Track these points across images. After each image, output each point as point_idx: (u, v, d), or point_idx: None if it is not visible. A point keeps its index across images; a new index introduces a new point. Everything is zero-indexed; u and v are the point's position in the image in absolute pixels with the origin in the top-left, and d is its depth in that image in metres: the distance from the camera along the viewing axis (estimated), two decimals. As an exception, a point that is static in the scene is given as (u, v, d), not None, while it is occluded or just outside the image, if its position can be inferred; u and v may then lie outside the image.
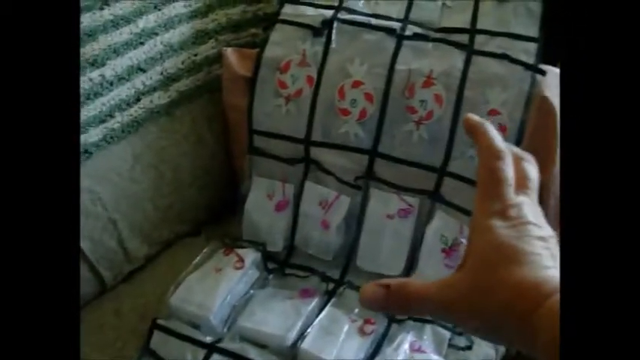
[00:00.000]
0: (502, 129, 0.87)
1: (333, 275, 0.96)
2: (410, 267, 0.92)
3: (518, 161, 0.44)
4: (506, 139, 0.84)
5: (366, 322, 0.87)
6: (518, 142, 0.86)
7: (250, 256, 0.95)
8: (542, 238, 0.39)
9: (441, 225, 0.91)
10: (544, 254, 0.38)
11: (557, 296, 0.35)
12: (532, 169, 0.44)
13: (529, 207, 0.41)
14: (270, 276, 0.96)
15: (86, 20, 0.88)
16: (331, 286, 0.94)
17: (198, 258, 0.95)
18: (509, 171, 0.42)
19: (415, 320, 0.88)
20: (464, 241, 0.89)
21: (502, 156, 0.42)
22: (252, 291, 0.93)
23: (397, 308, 0.42)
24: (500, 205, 0.40)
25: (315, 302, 0.90)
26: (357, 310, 0.89)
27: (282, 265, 0.99)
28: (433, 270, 0.90)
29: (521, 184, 0.42)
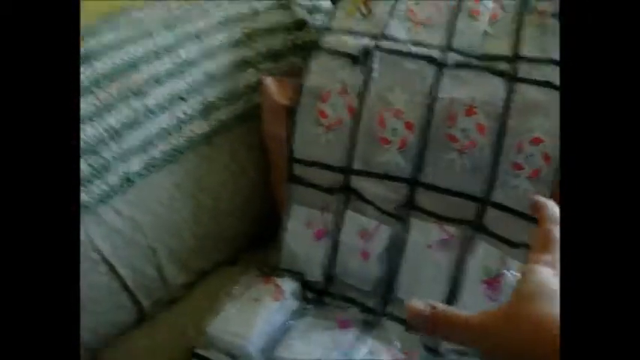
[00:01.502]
0: (546, 157, 0.85)
1: (372, 305, 0.94)
2: (451, 298, 0.90)
3: None
4: (549, 167, 0.84)
5: (406, 354, 0.85)
6: (562, 171, 0.84)
7: (289, 285, 0.95)
8: None
9: (484, 256, 0.89)
10: None
11: None
12: None
13: None
14: (309, 306, 0.95)
15: (130, 51, 0.90)
16: (370, 317, 0.93)
17: (236, 287, 0.95)
18: None
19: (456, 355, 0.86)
20: (506, 272, 0.86)
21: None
22: (290, 321, 0.92)
23: (439, 330, 0.45)
24: (551, 257, 0.46)
25: (352, 333, 0.89)
26: (396, 342, 0.87)
27: (321, 294, 0.98)
28: (475, 301, 0.88)
29: None
